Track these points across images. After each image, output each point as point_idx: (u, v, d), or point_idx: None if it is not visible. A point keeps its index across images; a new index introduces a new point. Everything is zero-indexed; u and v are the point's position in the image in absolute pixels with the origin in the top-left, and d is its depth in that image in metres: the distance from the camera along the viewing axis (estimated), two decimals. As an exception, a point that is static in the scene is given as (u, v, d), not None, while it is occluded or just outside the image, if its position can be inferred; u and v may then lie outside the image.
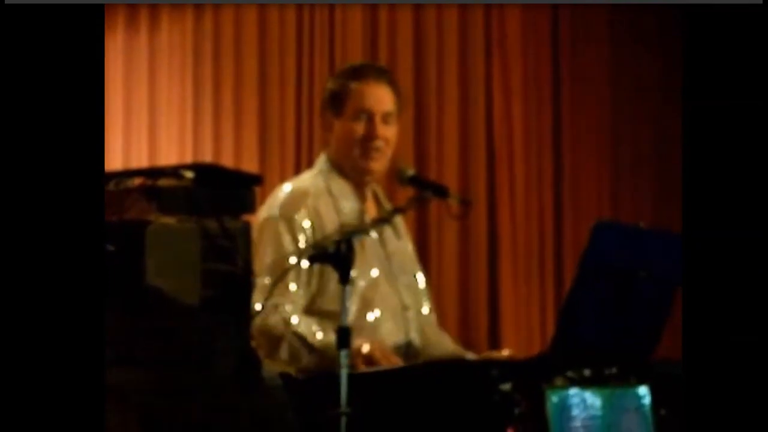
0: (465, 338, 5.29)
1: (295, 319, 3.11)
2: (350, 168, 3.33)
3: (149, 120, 6.28)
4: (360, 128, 3.29)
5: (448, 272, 5.78)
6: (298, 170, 5.71)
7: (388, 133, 3.32)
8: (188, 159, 6.06)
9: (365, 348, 3.01)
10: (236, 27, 6.21)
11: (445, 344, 3.40)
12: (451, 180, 5.64)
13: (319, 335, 3.09)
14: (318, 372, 3.02)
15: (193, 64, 6.26)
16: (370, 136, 3.29)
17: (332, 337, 3.08)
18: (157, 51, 6.34)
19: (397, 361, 3.08)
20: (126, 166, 6.05)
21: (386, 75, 3.40)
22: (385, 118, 3.32)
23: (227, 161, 6.02)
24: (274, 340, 3.10)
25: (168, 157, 6.15)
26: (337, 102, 3.34)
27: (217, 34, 6.24)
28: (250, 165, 6.01)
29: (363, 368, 2.96)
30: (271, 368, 3.04)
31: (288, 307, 3.12)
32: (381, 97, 3.32)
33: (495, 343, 5.56)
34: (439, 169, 5.84)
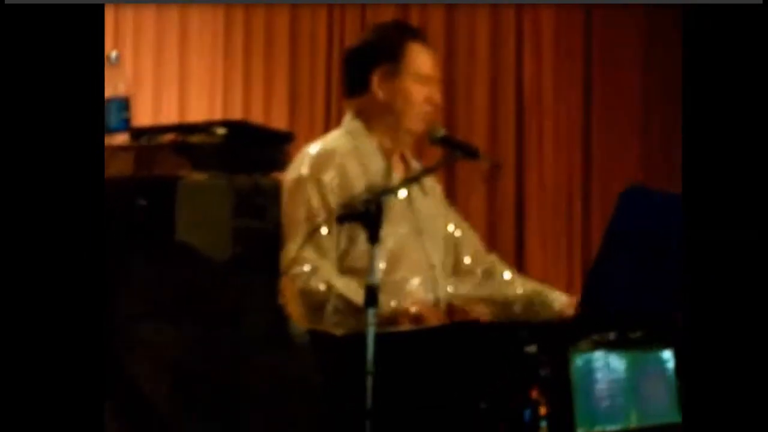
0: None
1: (336, 281, 3.09)
2: (389, 126, 3.30)
3: (180, 74, 6.28)
4: (422, 91, 3.26)
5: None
6: (327, 128, 5.71)
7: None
8: (218, 115, 6.06)
9: (413, 309, 3.00)
10: None
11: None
12: (479, 143, 5.62)
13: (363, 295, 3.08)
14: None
15: (225, 21, 6.24)
16: (431, 102, 3.28)
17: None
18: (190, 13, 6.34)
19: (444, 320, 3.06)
20: (155, 119, 6.05)
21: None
22: (439, 85, 3.33)
23: (257, 118, 6.01)
24: (317, 303, 3.05)
25: (198, 112, 6.14)
26: (392, 57, 3.27)
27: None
28: (279, 123, 6.00)
29: (407, 326, 2.95)
30: (298, 325, 3.05)
31: (327, 270, 3.10)
32: (436, 64, 3.31)
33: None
34: (467, 132, 5.83)
